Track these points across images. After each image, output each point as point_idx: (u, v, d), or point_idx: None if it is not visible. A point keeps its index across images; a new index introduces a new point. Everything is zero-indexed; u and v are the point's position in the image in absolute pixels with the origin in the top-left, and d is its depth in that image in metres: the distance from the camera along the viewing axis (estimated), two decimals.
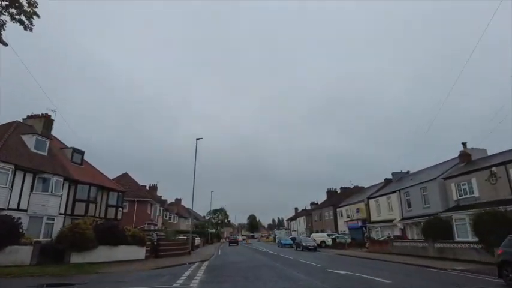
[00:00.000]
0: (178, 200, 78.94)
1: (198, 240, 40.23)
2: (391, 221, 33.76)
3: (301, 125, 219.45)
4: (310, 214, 65.86)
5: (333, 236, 38.53)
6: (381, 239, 29.90)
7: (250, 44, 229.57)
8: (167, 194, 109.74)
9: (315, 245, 33.19)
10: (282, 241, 43.36)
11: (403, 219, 31.76)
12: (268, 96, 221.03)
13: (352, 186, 58.56)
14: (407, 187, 32.13)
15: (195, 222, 69.17)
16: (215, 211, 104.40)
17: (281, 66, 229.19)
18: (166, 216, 55.47)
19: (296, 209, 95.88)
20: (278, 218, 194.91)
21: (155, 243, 22.58)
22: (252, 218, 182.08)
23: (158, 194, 62.24)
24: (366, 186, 52.52)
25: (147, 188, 61.10)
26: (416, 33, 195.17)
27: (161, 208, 46.73)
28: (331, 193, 64.78)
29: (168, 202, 72.03)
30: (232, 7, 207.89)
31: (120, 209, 28.60)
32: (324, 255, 26.59)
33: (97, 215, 25.33)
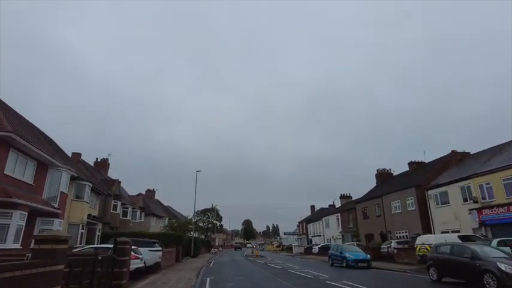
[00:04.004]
0: (150, 192, 54.55)
1: (157, 254, 16.39)
2: None
3: (288, 126, 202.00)
4: (352, 209, 42.31)
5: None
6: None
7: (232, 42, 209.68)
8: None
9: None
10: (347, 254, 19.34)
11: None
12: (252, 97, 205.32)
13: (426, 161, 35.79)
14: None
15: (172, 222, 44.67)
16: (204, 211, 79.63)
17: (265, 64, 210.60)
18: (115, 209, 31.25)
19: (313, 207, 72.40)
20: (273, 225, 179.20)
21: None
22: (247, 224, 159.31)
23: (120, 181, 38.02)
24: (470, 152, 29.44)
25: (93, 164, 37.13)
26: (405, 33, 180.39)
27: (90, 185, 22.48)
28: (386, 175, 41.64)
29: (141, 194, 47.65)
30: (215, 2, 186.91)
31: None
32: None
33: None
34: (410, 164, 36.56)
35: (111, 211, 30.56)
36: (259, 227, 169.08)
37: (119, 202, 31.45)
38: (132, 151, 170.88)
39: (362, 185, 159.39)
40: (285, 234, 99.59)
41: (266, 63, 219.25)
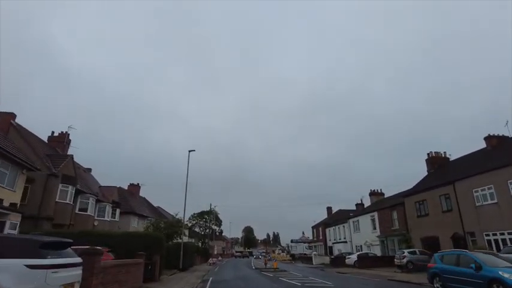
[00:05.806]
0: (133, 187, 43.86)
1: (63, 276, 5.85)
2: None
3: (288, 127, 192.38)
4: (397, 205, 31.74)
5: None
6: None
7: (230, 43, 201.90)
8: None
9: None
10: (504, 274, 8.87)
11: None
12: (250, 98, 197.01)
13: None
14: None
15: (156, 221, 33.57)
16: (201, 214, 68.27)
17: (265, 64, 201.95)
18: (63, 198, 20.60)
19: (329, 208, 61.51)
20: (274, 233, 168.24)
21: None
22: (248, 231, 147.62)
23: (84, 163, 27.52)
24: None
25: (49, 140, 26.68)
26: (405, 32, 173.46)
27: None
28: (441, 159, 31.22)
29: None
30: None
31: None
32: None
33: None
34: (488, 138, 26.22)
35: (57, 200, 19.94)
36: (258, 235, 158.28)
37: (70, 187, 20.78)
38: (128, 153, 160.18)
39: (363, 187, 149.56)
40: (292, 241, 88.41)
41: (266, 64, 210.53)
